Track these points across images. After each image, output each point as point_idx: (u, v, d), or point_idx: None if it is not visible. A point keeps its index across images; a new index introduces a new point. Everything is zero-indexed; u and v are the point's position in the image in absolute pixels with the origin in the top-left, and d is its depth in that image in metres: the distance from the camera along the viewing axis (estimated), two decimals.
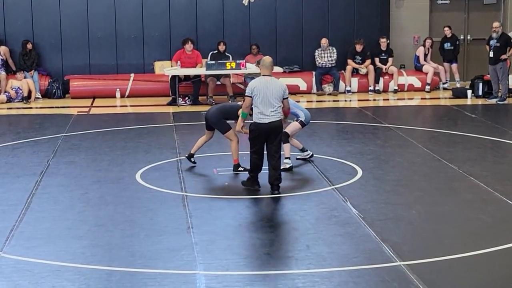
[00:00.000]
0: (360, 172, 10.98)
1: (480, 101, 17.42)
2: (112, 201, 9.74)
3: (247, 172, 10.21)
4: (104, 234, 8.43)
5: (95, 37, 18.76)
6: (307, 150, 11.68)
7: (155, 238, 8.24)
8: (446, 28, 19.25)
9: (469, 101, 17.72)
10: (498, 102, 17.20)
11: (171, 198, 9.81)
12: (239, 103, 11.05)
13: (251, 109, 9.92)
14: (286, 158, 11.16)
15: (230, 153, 11.12)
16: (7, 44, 18.40)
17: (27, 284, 7.03)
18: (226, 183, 10.61)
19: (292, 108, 11.16)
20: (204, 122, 11.28)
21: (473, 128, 14.35)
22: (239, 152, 11.01)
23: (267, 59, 10.00)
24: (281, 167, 10.87)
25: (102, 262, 7.56)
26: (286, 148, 11.17)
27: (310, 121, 11.58)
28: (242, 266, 7.47)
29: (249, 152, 10.05)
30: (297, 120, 11.35)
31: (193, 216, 9.00)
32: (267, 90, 9.69)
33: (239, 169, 10.98)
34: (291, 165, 11.18)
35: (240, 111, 10.26)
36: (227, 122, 11.06)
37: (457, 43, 19.41)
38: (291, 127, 11.31)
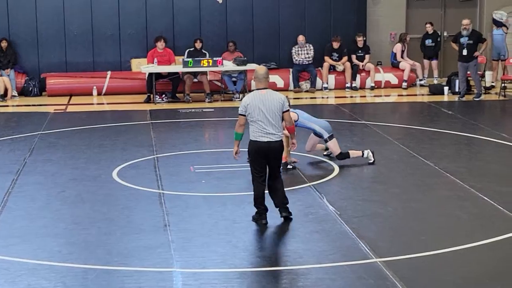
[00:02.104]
0: (336, 169, 11.01)
1: (456, 98, 17.51)
2: (89, 199, 9.71)
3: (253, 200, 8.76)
4: (80, 232, 8.41)
5: (71, 34, 18.66)
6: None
7: (132, 236, 8.23)
8: (428, 25, 19.31)
9: (445, 97, 17.80)
10: (474, 98, 17.30)
11: (147, 196, 9.79)
12: None
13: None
14: (361, 155, 11.33)
15: (213, 150, 11.09)
16: None
17: (3, 283, 6.99)
18: (203, 181, 10.60)
19: (305, 123, 11.06)
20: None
21: (450, 124, 14.43)
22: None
23: (261, 70, 8.68)
24: (371, 160, 11.20)
25: (79, 260, 7.54)
26: (354, 155, 11.29)
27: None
28: (219, 263, 7.47)
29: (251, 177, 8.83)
30: (326, 141, 11.22)
31: (170, 213, 8.99)
32: (263, 106, 8.46)
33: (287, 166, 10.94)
34: (370, 152, 11.33)
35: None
36: None
37: (438, 39, 19.51)
38: (334, 147, 11.18)
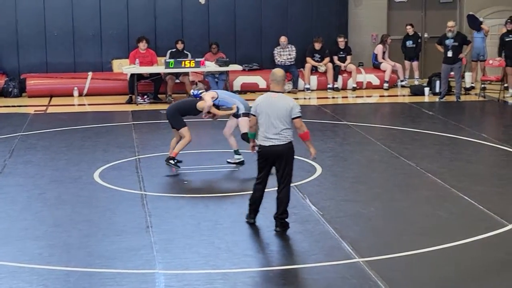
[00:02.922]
0: (319, 170, 11.02)
1: (437, 98, 17.58)
2: (70, 200, 9.66)
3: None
4: (61, 234, 8.36)
5: (52, 35, 18.57)
6: (240, 154, 11.26)
7: (114, 238, 8.19)
8: (409, 26, 19.40)
9: (426, 98, 17.89)
10: (457, 99, 17.35)
11: (129, 197, 9.75)
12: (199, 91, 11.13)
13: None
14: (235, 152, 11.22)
15: (194, 151, 11.08)
16: None
17: None
18: (185, 182, 10.58)
19: (225, 98, 11.08)
20: (167, 121, 11.23)
21: (431, 125, 14.50)
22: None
23: (279, 72, 8.53)
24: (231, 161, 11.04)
25: (60, 262, 7.49)
26: (233, 142, 11.19)
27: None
28: (201, 264, 7.45)
29: None
30: (240, 116, 11.02)
31: (152, 215, 8.96)
32: (270, 109, 8.34)
33: (170, 161, 10.91)
34: (242, 159, 11.13)
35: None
36: (183, 118, 11.05)
37: (419, 41, 19.59)
38: (243, 125, 10.94)
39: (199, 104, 10.95)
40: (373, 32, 20.05)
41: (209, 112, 10.95)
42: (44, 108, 16.75)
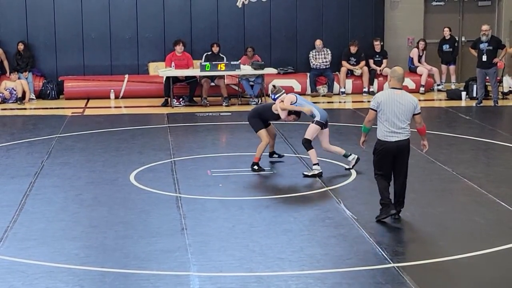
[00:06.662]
0: (354, 174, 10.99)
1: (474, 103, 17.43)
2: (106, 202, 9.74)
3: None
4: (98, 235, 8.43)
5: (89, 38, 18.75)
6: (351, 154, 11.29)
7: (149, 239, 8.24)
8: (446, 29, 19.24)
9: (463, 102, 17.75)
10: (495, 104, 17.19)
11: (165, 200, 9.81)
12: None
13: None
14: (314, 164, 10.89)
15: (230, 154, 11.14)
16: (1, 45, 18.38)
17: (20, 285, 7.02)
18: (220, 185, 10.60)
19: (302, 104, 11.13)
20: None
21: (467, 129, 14.38)
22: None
23: (399, 70, 8.80)
24: (310, 173, 10.83)
25: (96, 263, 7.56)
26: (311, 155, 10.95)
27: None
28: (235, 267, 7.47)
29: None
30: (313, 122, 10.99)
31: (187, 217, 9.00)
32: (395, 106, 8.62)
33: (254, 167, 11.04)
34: (320, 171, 10.86)
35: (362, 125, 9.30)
36: (262, 122, 11.24)
37: (456, 44, 19.44)
38: (310, 131, 10.95)
39: (274, 106, 11.18)
40: (409, 36, 19.94)
41: (289, 114, 11.08)
42: (81, 110, 16.92)
